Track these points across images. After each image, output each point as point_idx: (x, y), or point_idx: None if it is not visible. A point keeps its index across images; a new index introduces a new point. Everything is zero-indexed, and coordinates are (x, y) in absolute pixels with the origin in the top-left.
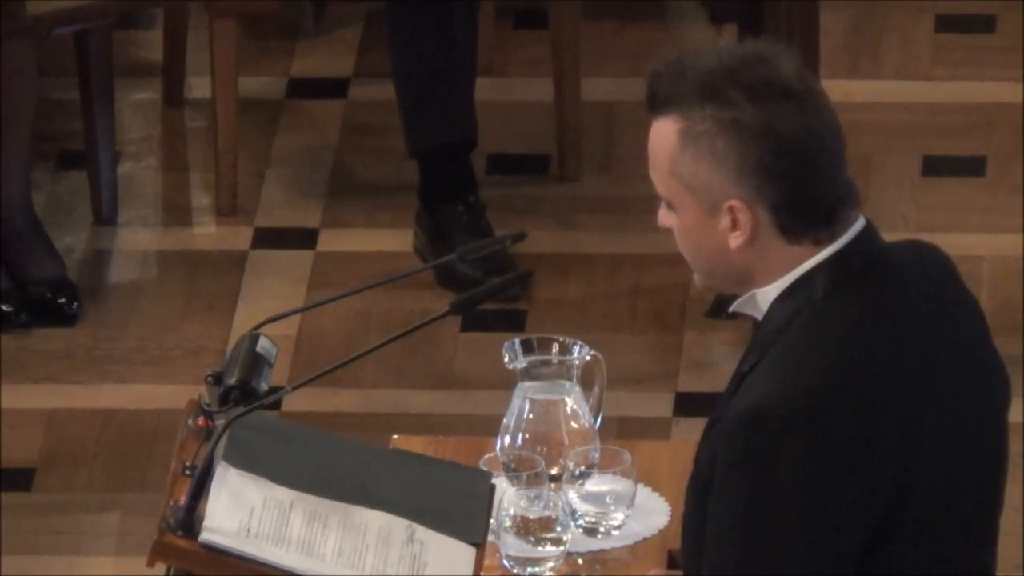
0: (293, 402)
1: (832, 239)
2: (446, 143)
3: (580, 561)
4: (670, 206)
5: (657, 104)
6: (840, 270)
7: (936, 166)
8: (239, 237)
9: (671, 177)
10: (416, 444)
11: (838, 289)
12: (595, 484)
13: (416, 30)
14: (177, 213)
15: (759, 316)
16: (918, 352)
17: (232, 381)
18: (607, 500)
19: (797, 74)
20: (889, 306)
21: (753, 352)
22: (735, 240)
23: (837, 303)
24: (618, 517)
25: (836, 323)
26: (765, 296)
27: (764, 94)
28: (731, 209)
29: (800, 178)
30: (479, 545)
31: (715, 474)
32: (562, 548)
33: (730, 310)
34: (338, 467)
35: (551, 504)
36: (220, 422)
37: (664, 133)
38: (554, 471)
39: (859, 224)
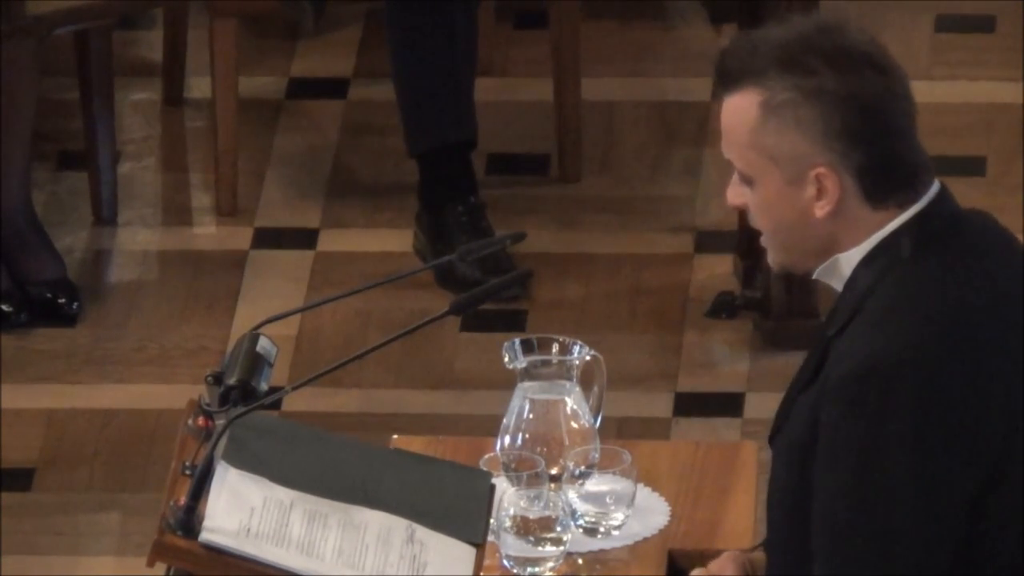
0: (293, 402)
1: (913, 202)
2: (446, 143)
3: (580, 561)
4: (747, 181)
5: (731, 79)
6: (924, 230)
7: (936, 166)
8: (239, 237)
9: (751, 150)
10: (416, 444)
11: (924, 248)
12: (595, 484)
13: (416, 30)
14: (177, 213)
15: (839, 284)
16: (1009, 306)
17: (232, 381)
18: (607, 500)
19: (870, 40)
20: (976, 263)
21: (839, 315)
22: (821, 209)
23: (926, 261)
24: (618, 517)
25: (930, 278)
26: (849, 260)
27: (844, 60)
28: (817, 177)
29: (885, 141)
30: (479, 545)
31: (820, 436)
32: (562, 548)
33: (813, 277)
34: (338, 467)
35: (551, 504)
36: (220, 422)
37: (742, 107)
38: (554, 471)
39: (936, 186)
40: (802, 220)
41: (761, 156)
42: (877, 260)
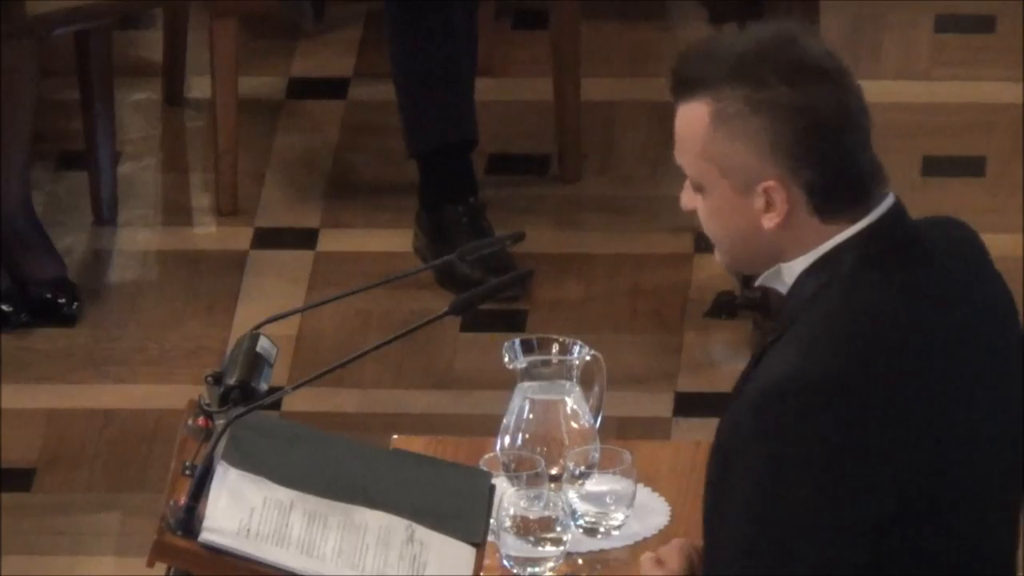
0: (293, 402)
1: (864, 216)
2: (446, 143)
3: (580, 561)
4: (698, 188)
5: (686, 88)
6: (869, 247)
7: (936, 166)
8: (239, 237)
9: (702, 159)
10: (416, 444)
11: (866, 265)
12: (595, 484)
13: (416, 30)
14: (177, 213)
15: (784, 290)
16: (944, 330)
17: (232, 381)
18: (607, 500)
19: (827, 53)
20: (917, 284)
21: (777, 325)
22: (769, 221)
23: (865, 279)
24: (618, 517)
25: (863, 298)
26: (791, 270)
27: (799, 73)
28: (766, 190)
29: (835, 156)
30: (479, 545)
31: (730, 447)
32: (562, 548)
33: (756, 284)
34: (338, 467)
35: (551, 504)
36: (220, 422)
37: (694, 116)
38: (554, 471)
39: (888, 201)
40: (750, 230)
41: (711, 165)
42: (819, 272)
